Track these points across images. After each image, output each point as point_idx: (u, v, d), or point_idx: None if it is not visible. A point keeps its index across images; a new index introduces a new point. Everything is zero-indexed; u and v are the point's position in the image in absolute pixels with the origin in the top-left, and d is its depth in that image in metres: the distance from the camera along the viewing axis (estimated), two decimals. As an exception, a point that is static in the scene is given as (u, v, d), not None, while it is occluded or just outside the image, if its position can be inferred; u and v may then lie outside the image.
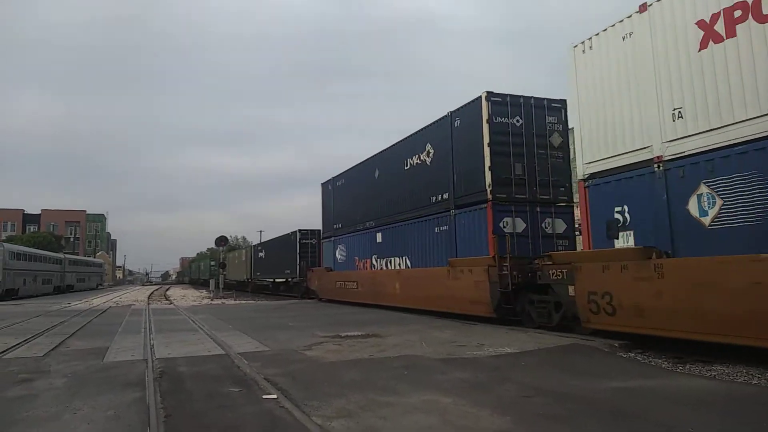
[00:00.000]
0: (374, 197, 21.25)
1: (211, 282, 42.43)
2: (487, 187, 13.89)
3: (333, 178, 26.35)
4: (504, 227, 13.71)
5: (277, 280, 37.99)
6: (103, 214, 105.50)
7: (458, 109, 15.56)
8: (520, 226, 13.94)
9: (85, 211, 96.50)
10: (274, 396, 6.24)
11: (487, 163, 13.91)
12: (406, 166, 18.46)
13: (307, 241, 32.47)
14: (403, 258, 18.59)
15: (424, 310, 16.61)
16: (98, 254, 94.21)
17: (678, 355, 8.41)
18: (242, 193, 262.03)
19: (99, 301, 32.91)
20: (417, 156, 17.74)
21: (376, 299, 19.98)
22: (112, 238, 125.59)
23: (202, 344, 11.00)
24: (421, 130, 17.76)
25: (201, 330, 13.81)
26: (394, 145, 20.04)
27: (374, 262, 21.02)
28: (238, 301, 30.12)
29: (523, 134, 14.20)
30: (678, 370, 7.68)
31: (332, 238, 25.96)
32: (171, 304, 29.68)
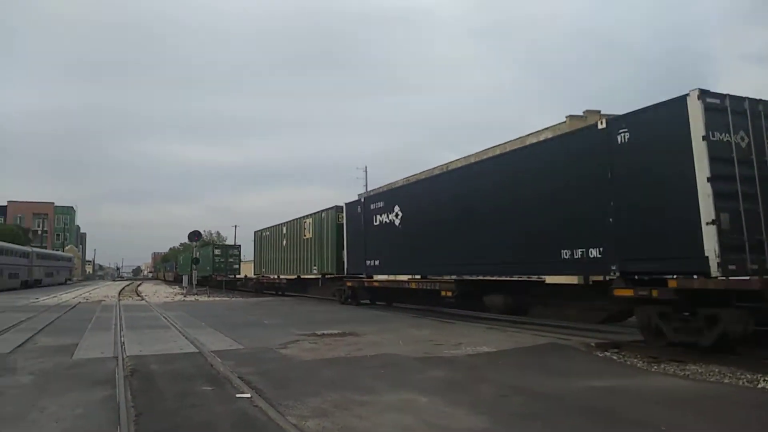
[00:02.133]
0: None
1: (184, 278, 41.72)
2: None
3: None
4: None
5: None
6: (72, 207, 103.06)
7: None
8: None
9: (53, 203, 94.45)
10: (248, 395, 6.13)
11: None
12: None
13: None
14: None
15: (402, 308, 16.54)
16: (67, 248, 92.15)
17: (653, 355, 8.51)
18: (216, 187, 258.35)
19: (68, 296, 32.19)
20: None
21: None
22: (82, 231, 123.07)
23: (175, 342, 10.80)
24: None
25: (174, 327, 13.57)
26: None
27: None
28: (212, 298, 29.74)
29: None
30: (653, 370, 7.77)
31: None
32: (143, 300, 29.17)
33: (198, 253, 48.91)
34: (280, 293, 31.33)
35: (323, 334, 11.65)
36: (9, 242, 51.13)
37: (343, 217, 21.80)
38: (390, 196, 18.44)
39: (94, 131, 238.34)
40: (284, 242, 28.90)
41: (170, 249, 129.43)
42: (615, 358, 8.62)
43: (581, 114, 26.57)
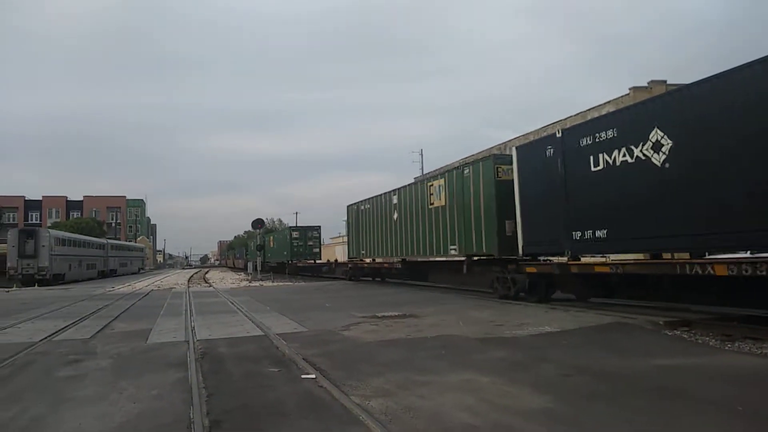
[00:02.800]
0: None
1: (249, 264, 42.94)
2: None
3: None
4: None
5: None
6: (142, 199, 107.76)
7: None
8: None
9: (125, 196, 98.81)
10: (313, 376, 6.29)
11: None
12: None
13: None
14: None
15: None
16: (139, 239, 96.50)
17: (726, 333, 8.16)
18: (277, 176, 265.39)
19: (141, 284, 33.77)
20: None
21: None
22: (152, 222, 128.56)
23: (242, 325, 11.17)
24: None
25: (240, 312, 14.03)
26: None
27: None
28: (276, 283, 30.54)
29: None
30: (726, 348, 7.45)
31: None
32: (210, 286, 30.25)
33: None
34: (379, 280, 27.48)
35: (383, 316, 11.78)
36: (86, 235, 54.07)
37: (510, 169, 14.48)
38: (636, 116, 10.77)
39: (162, 126, 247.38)
40: (395, 216, 22.42)
41: (235, 237, 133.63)
42: (685, 336, 8.30)
43: (645, 85, 25.54)
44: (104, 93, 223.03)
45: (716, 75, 9.03)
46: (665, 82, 24.85)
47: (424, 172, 49.47)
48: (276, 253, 43.82)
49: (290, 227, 39.60)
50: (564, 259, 12.54)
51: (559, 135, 12.70)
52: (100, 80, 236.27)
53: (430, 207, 18.98)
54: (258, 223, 37.31)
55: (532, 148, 14.11)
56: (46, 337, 10.07)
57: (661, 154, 9.94)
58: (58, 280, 38.74)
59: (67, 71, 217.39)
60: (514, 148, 14.72)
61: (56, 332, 10.79)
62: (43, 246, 37.75)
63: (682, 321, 9.09)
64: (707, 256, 9.51)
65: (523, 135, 34.20)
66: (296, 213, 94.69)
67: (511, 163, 14.47)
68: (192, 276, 51.04)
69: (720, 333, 8.19)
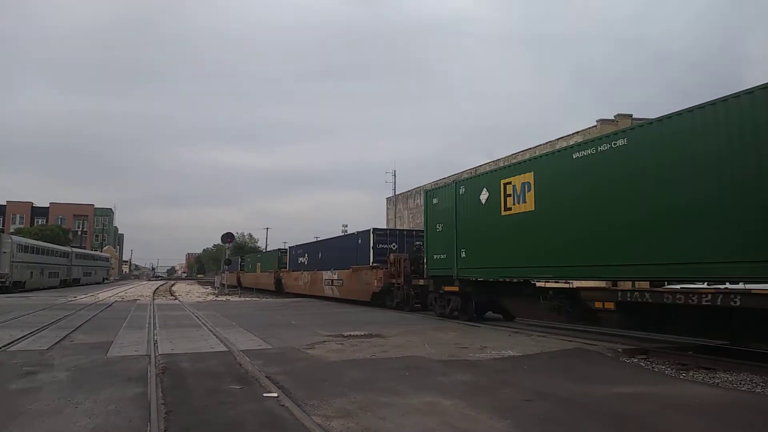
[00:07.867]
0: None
1: (216, 278, 42.41)
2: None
3: None
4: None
5: None
6: (110, 209, 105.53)
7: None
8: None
9: (93, 205, 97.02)
10: (275, 394, 6.25)
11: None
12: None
13: None
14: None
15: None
16: (105, 248, 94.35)
17: (681, 362, 8.39)
18: (250, 191, 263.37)
19: (105, 295, 33.01)
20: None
21: None
22: (120, 232, 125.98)
23: (205, 341, 11.03)
24: None
25: (205, 326, 13.85)
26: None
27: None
28: (243, 298, 30.19)
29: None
30: (681, 377, 7.65)
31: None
32: (176, 299, 29.76)
33: (228, 255, 44.74)
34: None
35: (349, 335, 11.76)
36: (50, 242, 52.75)
37: None
38: None
39: (134, 137, 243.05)
40: None
41: (204, 250, 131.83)
42: (642, 364, 8.51)
43: (612, 118, 26.26)
44: (79, 101, 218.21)
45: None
46: (631, 115, 25.62)
47: (397, 192, 49.78)
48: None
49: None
50: None
51: None
52: (70, 90, 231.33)
53: None
54: (227, 237, 36.93)
55: None
56: (0, 348, 9.77)
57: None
58: (18, 287, 37.62)
59: (49, 78, 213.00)
60: None
61: (12, 342, 10.47)
62: (5, 252, 36.68)
63: (640, 349, 9.30)
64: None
65: (494, 161, 34.85)
66: (267, 228, 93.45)
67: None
68: (158, 288, 50.12)
69: (675, 362, 8.41)
